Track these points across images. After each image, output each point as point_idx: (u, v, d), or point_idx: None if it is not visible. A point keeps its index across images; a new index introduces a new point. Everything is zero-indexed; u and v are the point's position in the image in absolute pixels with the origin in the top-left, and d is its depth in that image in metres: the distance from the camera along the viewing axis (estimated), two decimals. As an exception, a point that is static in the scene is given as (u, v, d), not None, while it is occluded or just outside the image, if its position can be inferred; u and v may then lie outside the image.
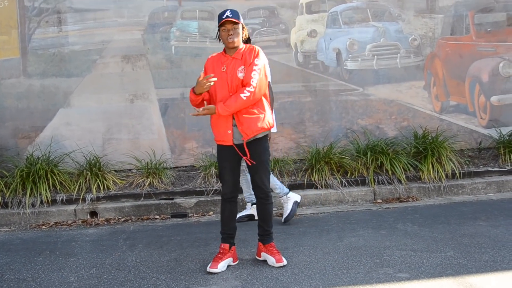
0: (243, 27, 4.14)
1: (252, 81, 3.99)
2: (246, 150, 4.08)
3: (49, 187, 6.10)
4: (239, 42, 4.09)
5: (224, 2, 6.99)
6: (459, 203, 5.89)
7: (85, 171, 6.32)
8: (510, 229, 4.83)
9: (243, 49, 4.13)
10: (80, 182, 6.20)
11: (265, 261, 4.28)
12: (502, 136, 6.99)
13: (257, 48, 4.16)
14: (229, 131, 4.07)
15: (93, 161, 6.44)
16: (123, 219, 5.87)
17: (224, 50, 4.17)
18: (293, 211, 5.39)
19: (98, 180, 6.20)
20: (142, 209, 5.98)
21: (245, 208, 5.62)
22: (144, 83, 6.91)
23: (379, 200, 6.13)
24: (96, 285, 4.03)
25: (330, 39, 7.11)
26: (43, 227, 5.79)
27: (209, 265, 4.18)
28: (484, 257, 4.17)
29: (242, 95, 3.96)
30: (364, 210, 5.81)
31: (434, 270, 3.95)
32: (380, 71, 7.15)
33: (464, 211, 5.54)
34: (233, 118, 4.06)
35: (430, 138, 6.65)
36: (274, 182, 5.43)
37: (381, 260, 4.22)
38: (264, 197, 4.21)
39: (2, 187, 6.13)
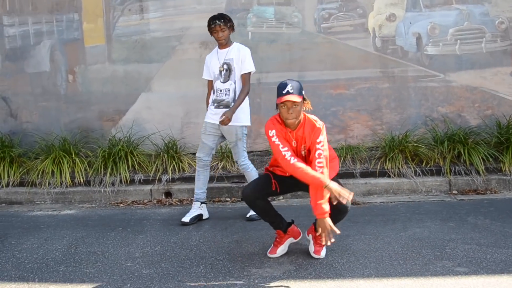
0: (304, 100, 3.94)
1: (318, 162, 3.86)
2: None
3: (128, 167, 6.42)
4: (298, 119, 3.94)
5: (300, -12, 6.97)
6: (542, 197, 5.57)
7: (162, 153, 6.58)
8: None
9: (303, 123, 3.98)
10: (157, 164, 6.47)
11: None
12: None
13: (320, 125, 3.95)
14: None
15: (170, 144, 6.68)
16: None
17: (283, 121, 3.99)
18: (191, 219, 5.20)
19: (174, 162, 6.44)
20: (214, 191, 6.13)
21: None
22: (220, 68, 7.04)
23: (454, 192, 5.91)
24: (158, 261, 4.22)
25: (410, 23, 6.88)
26: (121, 205, 6.11)
27: (269, 249, 4.24)
28: (555, 256, 3.93)
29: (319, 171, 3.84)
30: (437, 201, 5.62)
31: (496, 266, 3.77)
32: (463, 56, 6.84)
33: (545, 206, 5.22)
34: None
35: (514, 127, 6.30)
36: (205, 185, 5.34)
37: (442, 253, 4.08)
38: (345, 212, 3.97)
39: (86, 166, 6.53)
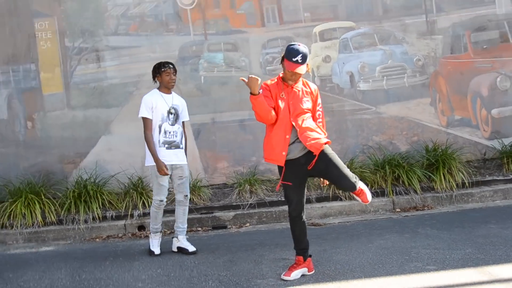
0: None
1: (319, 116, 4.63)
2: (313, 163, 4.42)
3: (99, 205, 6.74)
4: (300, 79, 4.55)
5: (246, 35, 7.77)
6: (470, 209, 6.57)
7: (130, 190, 6.97)
8: (519, 230, 5.53)
9: (300, 82, 4.57)
10: (127, 200, 6.85)
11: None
12: (504, 146, 7.64)
13: (315, 87, 4.66)
14: (283, 153, 4.42)
15: (137, 182, 7.08)
16: (169, 232, 6.47)
17: (282, 78, 4.54)
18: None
19: (143, 198, 6.84)
20: (185, 223, 6.60)
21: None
22: (177, 110, 7.58)
23: (397, 209, 6.79)
24: (166, 281, 4.69)
25: (343, 63, 7.83)
26: (97, 239, 6.44)
27: (284, 273, 4.58)
28: (498, 253, 4.86)
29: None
30: (386, 218, 6.48)
31: (457, 263, 4.64)
32: (390, 90, 7.86)
33: (476, 216, 6.21)
34: (291, 140, 4.43)
35: (440, 150, 7.33)
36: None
37: (410, 256, 4.89)
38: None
39: (57, 207, 6.77)
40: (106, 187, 7.08)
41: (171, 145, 5.52)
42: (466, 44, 7.94)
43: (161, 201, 5.56)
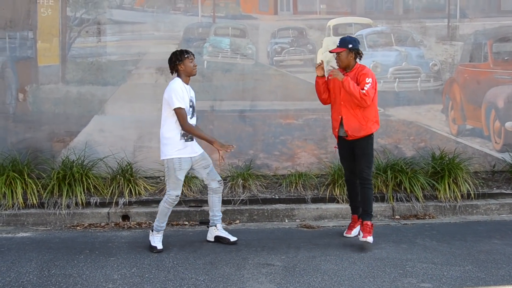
0: (351, 51, 5.18)
1: (365, 87, 5.10)
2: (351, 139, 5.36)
3: (83, 190, 6.41)
4: (345, 65, 5.25)
5: (256, 21, 7.38)
6: (474, 222, 6.20)
7: (118, 176, 6.64)
8: (524, 248, 5.15)
9: (356, 69, 5.22)
10: (113, 187, 6.51)
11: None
12: (515, 160, 7.28)
13: (366, 71, 5.18)
14: (336, 130, 5.42)
15: (126, 167, 6.75)
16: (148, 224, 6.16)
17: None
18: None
19: (130, 186, 6.52)
20: (172, 215, 6.17)
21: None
22: (176, 94, 7.23)
23: (397, 216, 6.42)
24: (139, 283, 4.34)
25: (355, 60, 7.44)
26: (78, 227, 6.10)
27: (345, 231, 5.58)
28: (500, 272, 4.49)
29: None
30: (384, 225, 6.11)
31: (454, 282, 4.27)
32: (401, 93, 7.48)
33: (479, 230, 5.84)
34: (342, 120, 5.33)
35: (447, 159, 6.95)
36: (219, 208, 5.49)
37: (404, 271, 4.53)
38: (363, 182, 5.31)
39: (40, 188, 6.45)
40: (93, 170, 6.75)
41: (189, 138, 5.22)
42: (486, 54, 7.55)
43: (177, 196, 5.22)
